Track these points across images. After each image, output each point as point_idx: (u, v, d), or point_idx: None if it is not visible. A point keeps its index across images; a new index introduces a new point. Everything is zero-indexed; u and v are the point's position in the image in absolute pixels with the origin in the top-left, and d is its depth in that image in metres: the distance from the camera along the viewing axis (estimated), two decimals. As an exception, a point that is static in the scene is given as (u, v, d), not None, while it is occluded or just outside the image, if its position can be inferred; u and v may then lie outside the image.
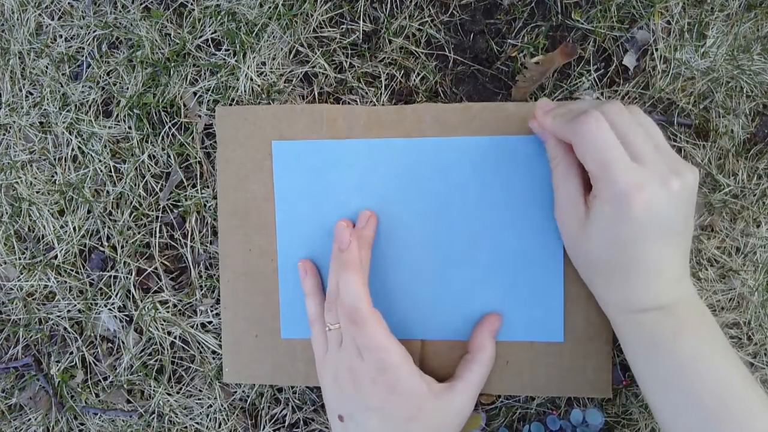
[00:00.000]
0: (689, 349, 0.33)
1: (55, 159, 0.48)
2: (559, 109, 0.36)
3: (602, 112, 0.33)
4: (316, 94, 0.46)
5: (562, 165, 0.36)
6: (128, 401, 0.48)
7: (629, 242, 0.33)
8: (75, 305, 0.48)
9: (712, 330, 0.34)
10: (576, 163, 0.35)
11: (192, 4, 0.46)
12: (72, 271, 0.48)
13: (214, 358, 0.47)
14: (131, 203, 0.47)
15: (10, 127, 0.48)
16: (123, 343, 0.48)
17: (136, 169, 0.47)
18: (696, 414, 0.32)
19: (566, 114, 0.35)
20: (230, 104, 0.46)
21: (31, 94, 0.48)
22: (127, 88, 0.47)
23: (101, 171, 0.47)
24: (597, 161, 0.32)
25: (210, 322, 0.47)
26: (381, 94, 0.45)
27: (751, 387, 0.32)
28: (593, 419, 0.41)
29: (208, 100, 0.46)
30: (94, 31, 0.47)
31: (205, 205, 0.46)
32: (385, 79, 0.45)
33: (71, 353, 0.48)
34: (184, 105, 0.46)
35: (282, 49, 0.46)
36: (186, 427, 0.48)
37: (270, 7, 0.45)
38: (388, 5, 0.45)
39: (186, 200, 0.47)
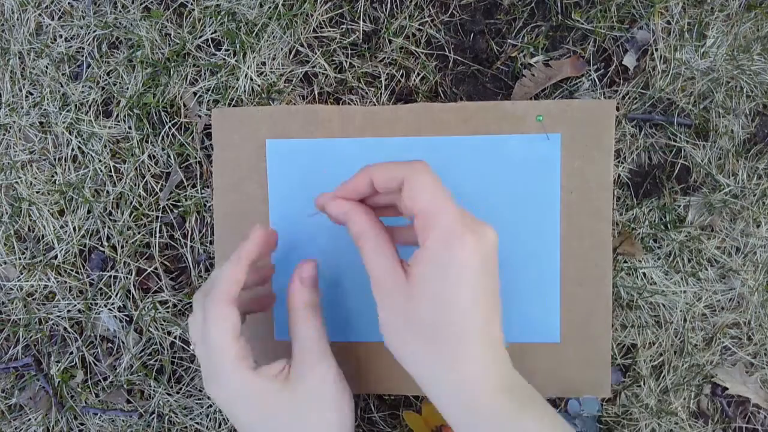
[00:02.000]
0: None
1: (55, 159, 0.48)
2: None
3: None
4: (316, 94, 0.46)
5: (372, 238, 0.33)
6: (128, 401, 0.48)
7: (456, 286, 0.30)
8: (75, 305, 0.48)
9: (552, 414, 0.32)
10: (386, 234, 0.33)
11: (192, 4, 0.46)
12: (72, 271, 0.48)
13: (214, 358, 0.47)
14: (131, 203, 0.47)
15: (10, 127, 0.48)
16: (123, 343, 0.48)
17: (136, 169, 0.47)
18: None
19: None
20: (230, 104, 0.46)
21: (31, 94, 0.48)
22: (127, 88, 0.47)
23: (101, 171, 0.47)
24: (432, 198, 0.31)
25: (210, 322, 0.47)
26: (381, 94, 0.45)
27: None
28: (589, 407, 0.41)
29: (208, 100, 0.46)
30: (94, 31, 0.47)
31: (205, 205, 0.46)
32: (385, 79, 0.45)
33: (71, 353, 0.48)
34: (184, 105, 0.46)
35: (282, 49, 0.46)
36: (186, 427, 0.48)
37: (270, 7, 0.45)
38: (388, 5, 0.45)
39: (186, 200, 0.47)
